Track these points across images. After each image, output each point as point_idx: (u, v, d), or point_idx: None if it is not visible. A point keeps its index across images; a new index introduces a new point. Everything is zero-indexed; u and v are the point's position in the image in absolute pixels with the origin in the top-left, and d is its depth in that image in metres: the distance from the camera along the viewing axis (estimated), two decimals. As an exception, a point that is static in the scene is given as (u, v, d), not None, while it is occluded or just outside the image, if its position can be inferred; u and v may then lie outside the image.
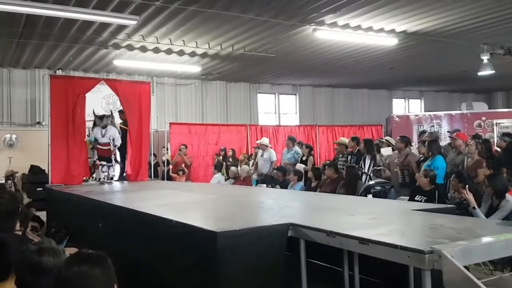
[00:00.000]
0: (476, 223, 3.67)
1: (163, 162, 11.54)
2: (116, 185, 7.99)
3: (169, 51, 10.06)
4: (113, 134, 8.25)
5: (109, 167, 8.30)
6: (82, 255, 1.88)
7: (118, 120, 8.94)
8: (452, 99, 17.55)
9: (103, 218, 4.72)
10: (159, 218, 3.63)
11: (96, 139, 8.15)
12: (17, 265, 2.10)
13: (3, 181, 9.91)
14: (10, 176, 10.38)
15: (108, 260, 1.87)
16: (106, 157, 8.25)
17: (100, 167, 8.18)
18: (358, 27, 8.42)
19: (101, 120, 8.22)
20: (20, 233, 3.17)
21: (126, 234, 4.15)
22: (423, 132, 10.85)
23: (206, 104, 14.00)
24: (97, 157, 8.34)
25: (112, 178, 8.35)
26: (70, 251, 2.36)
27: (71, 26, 8.16)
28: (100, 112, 8.93)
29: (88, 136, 8.44)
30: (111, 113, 8.71)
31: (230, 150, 11.99)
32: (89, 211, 5.28)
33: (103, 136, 8.18)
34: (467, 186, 5.23)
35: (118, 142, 8.34)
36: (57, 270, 1.84)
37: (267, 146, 10.58)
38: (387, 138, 9.96)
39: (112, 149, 8.26)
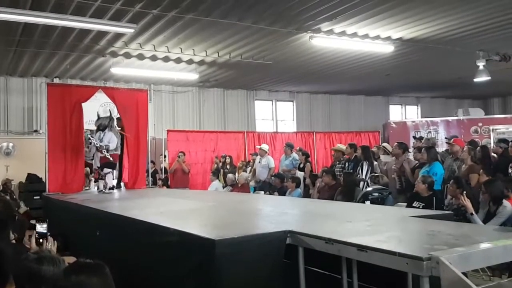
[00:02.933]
0: (474, 229, 3.68)
1: (161, 170, 11.53)
2: (114, 193, 7.94)
3: (166, 59, 10.09)
4: (109, 138, 7.83)
5: (112, 173, 7.94)
6: (80, 264, 1.89)
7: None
8: (448, 105, 17.62)
9: (101, 226, 4.70)
10: (157, 226, 3.63)
11: (96, 146, 7.77)
12: (16, 273, 2.10)
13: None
14: (4, 184, 10.34)
15: (106, 269, 1.88)
16: (107, 163, 7.89)
17: (105, 175, 7.86)
18: (354, 35, 8.47)
19: (98, 121, 7.87)
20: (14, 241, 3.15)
21: (124, 242, 4.14)
22: (419, 138, 10.88)
23: (204, 111, 14.01)
24: (98, 165, 8.03)
25: (112, 187, 7.99)
26: (69, 260, 2.36)
27: (68, 34, 8.18)
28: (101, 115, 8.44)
29: (89, 140, 8.02)
30: (110, 113, 8.27)
31: (228, 157, 11.99)
32: (87, 219, 5.26)
33: (101, 141, 7.78)
34: (464, 192, 5.24)
35: (113, 147, 7.87)
36: (55, 279, 1.85)
37: (266, 152, 10.59)
38: (384, 144, 9.98)
39: (106, 155, 7.78)
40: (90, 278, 1.79)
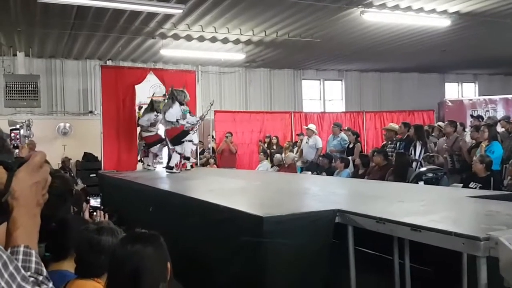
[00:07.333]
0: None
1: (209, 150, 11.71)
2: (164, 171, 8.11)
3: (213, 39, 10.12)
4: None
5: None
6: (136, 234, 1.96)
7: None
8: (508, 82, 16.65)
9: (154, 203, 4.84)
10: (207, 203, 3.68)
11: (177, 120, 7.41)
12: (76, 243, 2.20)
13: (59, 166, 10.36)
14: (62, 162, 10.88)
15: (161, 239, 1.93)
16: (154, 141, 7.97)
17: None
18: (408, 8, 8.11)
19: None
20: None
21: (175, 219, 4.25)
22: (478, 117, 10.38)
23: (250, 91, 14.01)
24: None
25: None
26: None
27: (119, 17, 8.37)
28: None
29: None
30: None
31: (274, 138, 11.98)
32: (140, 196, 5.43)
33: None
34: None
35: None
36: (113, 249, 1.93)
37: (313, 132, 10.47)
38: (439, 123, 9.61)
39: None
40: (146, 248, 1.86)
